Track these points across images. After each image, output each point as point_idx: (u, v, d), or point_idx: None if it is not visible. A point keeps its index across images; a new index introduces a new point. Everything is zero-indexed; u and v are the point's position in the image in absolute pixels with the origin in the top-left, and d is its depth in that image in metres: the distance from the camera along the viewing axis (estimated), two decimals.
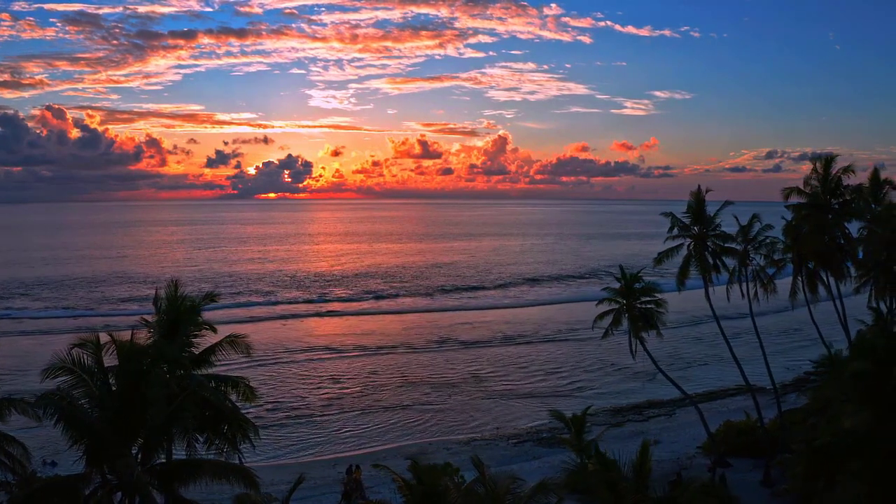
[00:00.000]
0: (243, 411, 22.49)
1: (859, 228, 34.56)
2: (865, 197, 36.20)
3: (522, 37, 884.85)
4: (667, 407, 43.87)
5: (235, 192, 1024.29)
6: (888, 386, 18.12)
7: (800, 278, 34.78)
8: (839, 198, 34.09)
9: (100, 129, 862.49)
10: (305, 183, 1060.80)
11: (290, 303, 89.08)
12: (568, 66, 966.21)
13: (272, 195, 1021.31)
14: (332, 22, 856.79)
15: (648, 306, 31.94)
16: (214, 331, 24.53)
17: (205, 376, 23.70)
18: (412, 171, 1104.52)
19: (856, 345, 19.88)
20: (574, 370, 54.31)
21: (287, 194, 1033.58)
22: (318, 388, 50.31)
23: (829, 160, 34.09)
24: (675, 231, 32.72)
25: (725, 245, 32.54)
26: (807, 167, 35.30)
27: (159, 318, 23.13)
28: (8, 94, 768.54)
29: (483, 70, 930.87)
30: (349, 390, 49.71)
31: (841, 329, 35.84)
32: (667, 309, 32.90)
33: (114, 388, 19.28)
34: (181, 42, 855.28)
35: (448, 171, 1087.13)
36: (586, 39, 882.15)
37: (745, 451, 32.19)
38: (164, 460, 19.50)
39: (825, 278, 36.11)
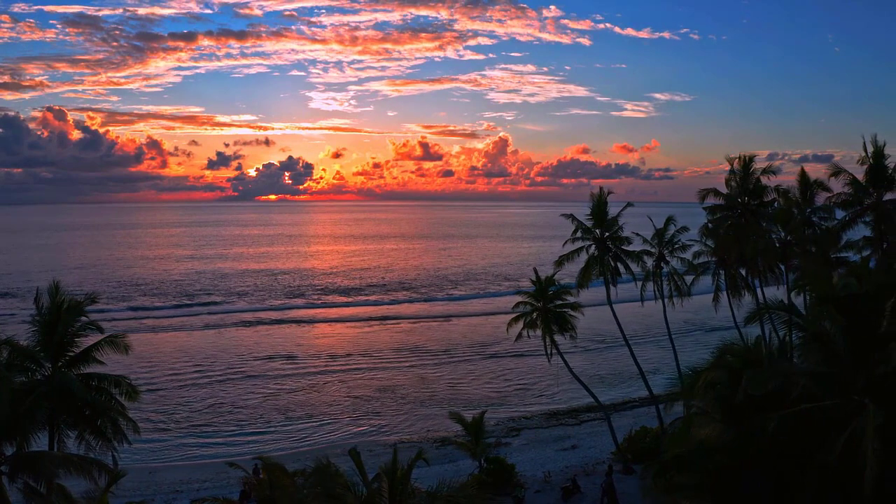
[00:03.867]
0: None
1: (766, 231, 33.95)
2: (794, 198, 35.62)
3: (522, 39, 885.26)
4: (605, 411, 43.47)
5: (236, 193, 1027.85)
6: (737, 396, 17.75)
7: (722, 281, 34.46)
8: (758, 199, 33.66)
9: (100, 130, 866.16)
10: (306, 185, 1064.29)
11: (262, 309, 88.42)
12: (568, 68, 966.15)
13: (273, 197, 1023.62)
14: (331, 24, 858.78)
15: (563, 310, 31.69)
16: (101, 331, 24.73)
17: (86, 375, 23.91)
18: (413, 173, 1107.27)
19: (717, 352, 19.48)
20: (527, 374, 53.78)
21: (288, 196, 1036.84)
22: (266, 391, 50.32)
23: (748, 159, 33.65)
24: (579, 233, 32.44)
25: (624, 247, 32.21)
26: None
27: (40, 317, 23.35)
28: (8, 96, 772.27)
29: (483, 72, 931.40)
30: (296, 393, 49.70)
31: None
32: (583, 313, 32.66)
33: None
34: (181, 44, 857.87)
35: (449, 174, 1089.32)
36: (586, 41, 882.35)
37: (654, 457, 31.71)
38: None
39: (756, 281, 35.77)
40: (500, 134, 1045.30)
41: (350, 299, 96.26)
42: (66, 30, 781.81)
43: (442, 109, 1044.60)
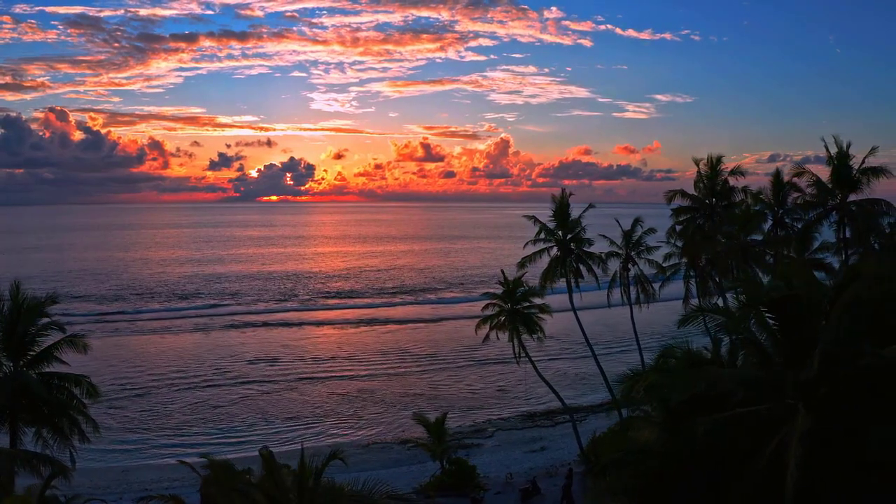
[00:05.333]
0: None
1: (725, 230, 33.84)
2: (766, 199, 35.56)
3: (523, 40, 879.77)
4: (581, 413, 43.57)
5: (238, 194, 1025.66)
6: (676, 399, 17.79)
7: (693, 282, 34.51)
8: (725, 200, 33.66)
9: (102, 131, 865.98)
10: (307, 186, 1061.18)
11: (252, 312, 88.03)
12: (569, 69, 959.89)
13: (274, 198, 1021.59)
14: (332, 25, 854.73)
15: (530, 311, 31.79)
16: (63, 331, 24.99)
17: (47, 374, 24.19)
18: (414, 174, 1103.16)
19: (659, 355, 19.58)
20: (511, 377, 53.47)
21: (289, 197, 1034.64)
22: (248, 393, 50.63)
23: (716, 160, 33.61)
24: (542, 235, 32.50)
25: (587, 249, 32.29)
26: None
27: (0, 316, 23.62)
28: (10, 97, 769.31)
29: (484, 73, 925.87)
30: (277, 396, 49.97)
31: None
32: (551, 315, 32.74)
33: None
34: (182, 45, 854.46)
35: (450, 175, 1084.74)
36: (587, 43, 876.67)
37: None
38: None
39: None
40: (502, 135, 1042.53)
41: (341, 301, 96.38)
42: (68, 31, 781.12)
43: (443, 110, 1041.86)
